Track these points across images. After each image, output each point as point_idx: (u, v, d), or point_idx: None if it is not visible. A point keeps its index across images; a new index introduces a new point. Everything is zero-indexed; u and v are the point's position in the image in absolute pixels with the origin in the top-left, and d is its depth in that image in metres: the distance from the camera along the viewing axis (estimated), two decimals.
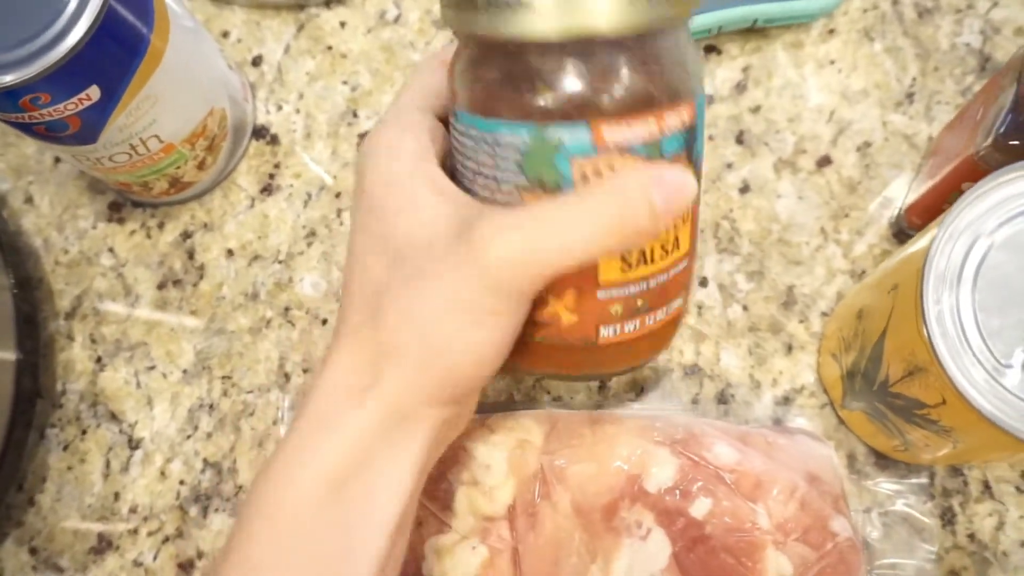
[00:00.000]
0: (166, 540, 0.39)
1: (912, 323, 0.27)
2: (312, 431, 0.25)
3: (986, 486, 0.37)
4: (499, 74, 0.24)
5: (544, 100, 0.23)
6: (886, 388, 0.31)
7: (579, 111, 0.23)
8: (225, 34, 0.46)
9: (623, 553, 0.34)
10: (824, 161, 0.41)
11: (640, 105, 0.23)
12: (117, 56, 0.33)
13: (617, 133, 0.23)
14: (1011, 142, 0.31)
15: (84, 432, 0.41)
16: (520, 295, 0.24)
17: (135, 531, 0.39)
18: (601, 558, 0.34)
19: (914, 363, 0.28)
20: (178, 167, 0.40)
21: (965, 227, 0.27)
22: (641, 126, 0.23)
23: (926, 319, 0.26)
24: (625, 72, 0.23)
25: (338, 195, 0.43)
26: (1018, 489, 0.37)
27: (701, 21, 0.41)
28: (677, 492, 0.34)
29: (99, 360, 0.42)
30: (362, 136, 0.44)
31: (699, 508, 0.33)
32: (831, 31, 0.43)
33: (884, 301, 0.30)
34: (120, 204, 0.44)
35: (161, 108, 0.37)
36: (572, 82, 0.23)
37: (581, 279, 0.25)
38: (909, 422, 0.31)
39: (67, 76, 0.32)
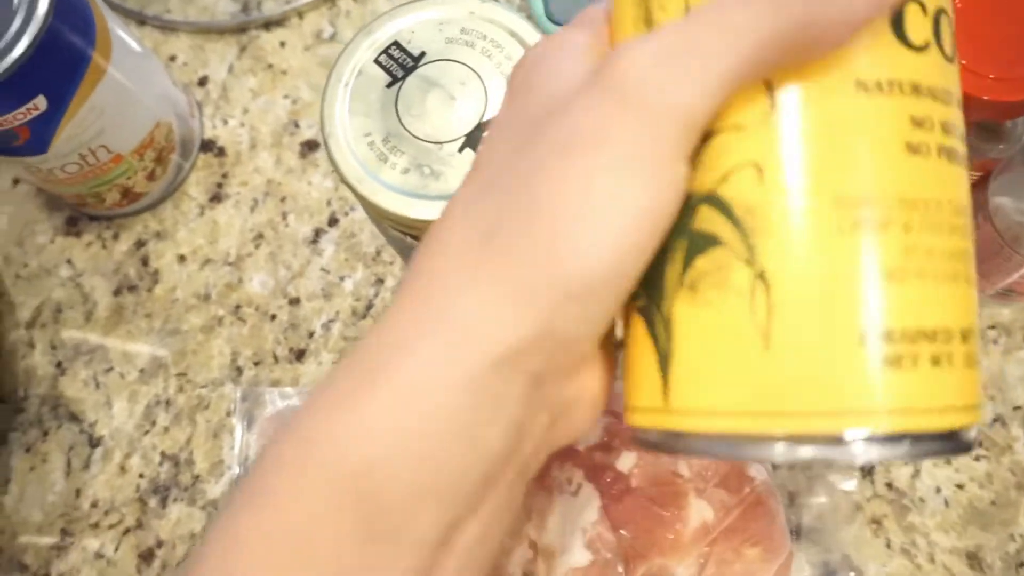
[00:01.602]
0: (127, 532, 0.41)
1: None
2: None
3: None
4: None
5: None
6: None
7: None
8: (172, 58, 0.49)
9: (556, 509, 0.35)
10: None
11: None
12: (60, 69, 0.36)
13: None
14: None
15: (46, 434, 0.43)
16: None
17: (96, 524, 0.41)
18: (536, 515, 0.36)
19: None
20: (128, 177, 0.43)
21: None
22: None
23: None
24: None
25: (283, 199, 0.45)
26: None
27: None
28: (604, 448, 0.36)
29: (59, 365, 0.44)
30: (304, 144, 0.46)
31: (625, 462, 0.35)
32: None
33: None
34: (76, 219, 0.46)
35: (108, 120, 0.39)
36: None
37: None
38: None
39: (15, 87, 0.35)
